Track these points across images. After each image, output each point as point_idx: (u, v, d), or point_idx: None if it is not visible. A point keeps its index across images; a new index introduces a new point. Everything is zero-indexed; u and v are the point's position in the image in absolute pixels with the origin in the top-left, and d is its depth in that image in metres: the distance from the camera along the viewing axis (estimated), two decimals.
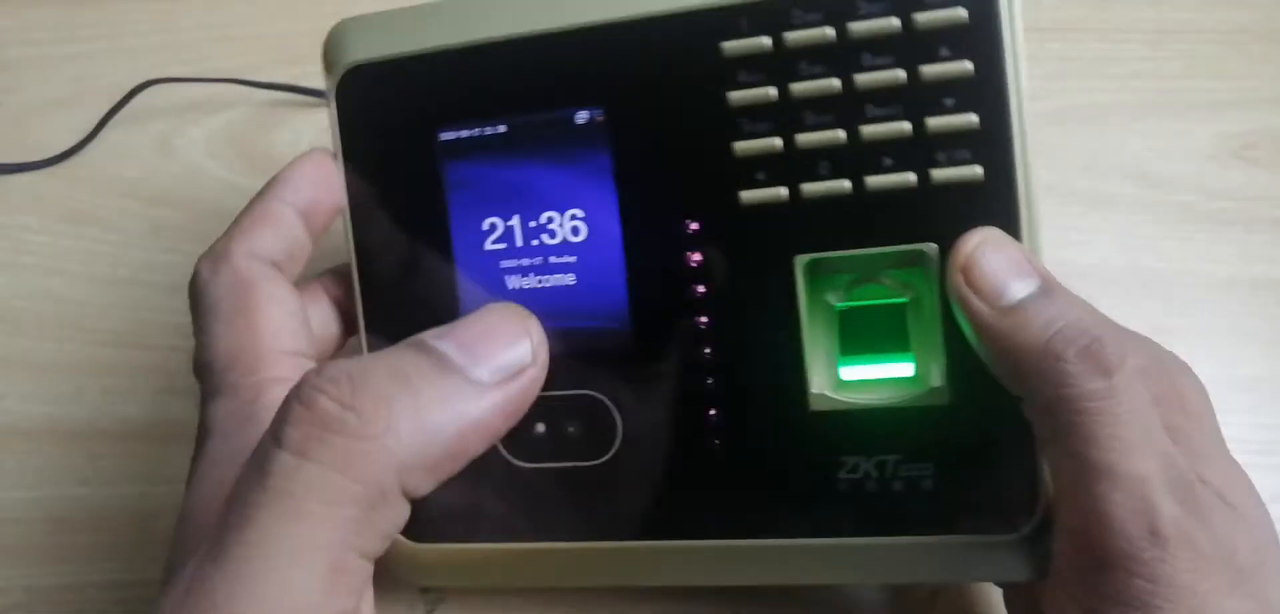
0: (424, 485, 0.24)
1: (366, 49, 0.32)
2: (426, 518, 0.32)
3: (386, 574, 0.34)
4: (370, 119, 0.32)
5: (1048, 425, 0.26)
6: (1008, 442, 0.29)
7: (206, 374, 0.30)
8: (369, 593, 0.26)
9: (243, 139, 0.44)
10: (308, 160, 0.32)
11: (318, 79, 0.45)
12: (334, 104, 0.32)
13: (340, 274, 0.34)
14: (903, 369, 0.31)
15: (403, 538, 0.33)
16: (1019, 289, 0.27)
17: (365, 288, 0.33)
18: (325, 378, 0.23)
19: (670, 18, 0.30)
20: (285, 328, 0.30)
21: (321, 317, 0.33)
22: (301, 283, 0.33)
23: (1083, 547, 0.25)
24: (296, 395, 0.23)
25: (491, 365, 0.25)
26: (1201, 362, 0.31)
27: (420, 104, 0.32)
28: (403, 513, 0.24)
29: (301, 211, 0.32)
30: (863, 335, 0.31)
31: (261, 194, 0.32)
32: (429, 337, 0.25)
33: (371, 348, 0.32)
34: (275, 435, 0.23)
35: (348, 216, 0.33)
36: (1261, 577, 0.25)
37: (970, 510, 0.30)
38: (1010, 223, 0.29)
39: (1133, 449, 0.25)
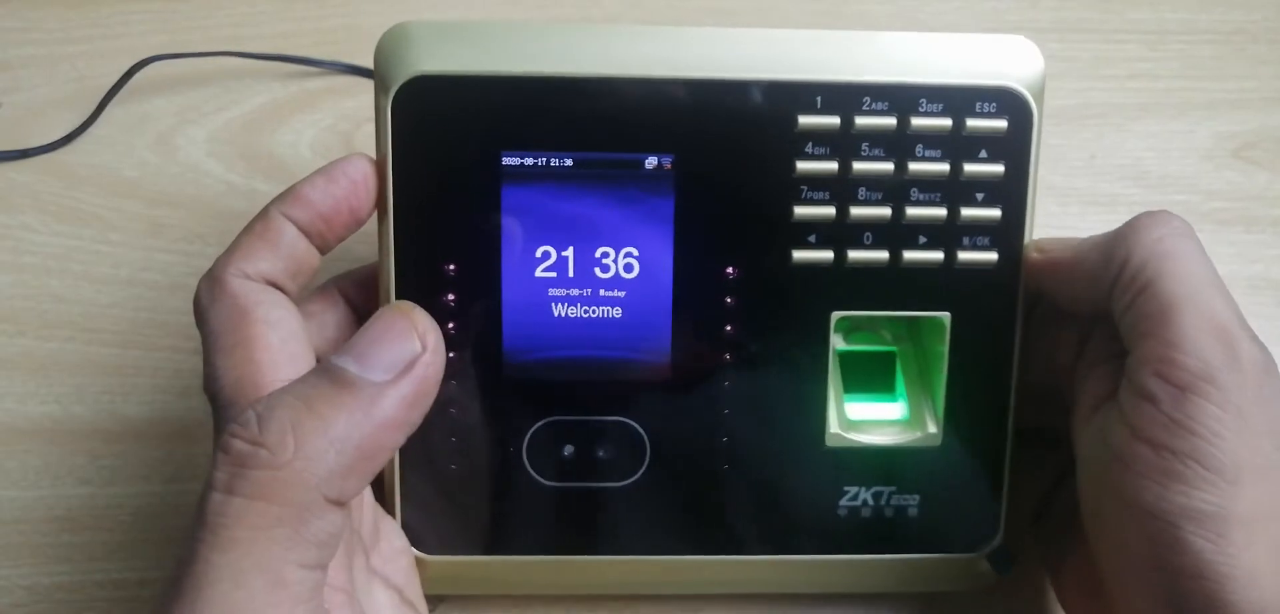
0: (349, 490, 0.27)
1: (433, 61, 0.31)
2: (440, 531, 0.34)
3: None
4: (429, 131, 0.32)
5: (1139, 282, 0.29)
6: (981, 479, 0.35)
7: (215, 406, 0.30)
8: (338, 599, 0.28)
9: (244, 139, 0.44)
10: (328, 174, 0.32)
11: (321, 78, 0.46)
12: (389, 112, 0.32)
13: (357, 278, 0.34)
14: (893, 409, 0.35)
15: (413, 550, 0.34)
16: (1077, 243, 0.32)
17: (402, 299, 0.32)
18: (238, 422, 0.26)
19: (751, 84, 0.32)
20: (285, 353, 0.30)
21: (337, 320, 0.33)
22: (315, 288, 0.33)
23: (1164, 373, 0.28)
24: (218, 442, 0.26)
25: (384, 364, 0.28)
26: None
27: (487, 124, 0.32)
28: (334, 520, 0.26)
29: (307, 225, 0.31)
30: (859, 376, 0.35)
31: (265, 208, 0.32)
32: (331, 356, 0.28)
33: None
34: (209, 481, 0.26)
35: (391, 226, 0.32)
36: None
37: (945, 533, 0.35)
38: (1012, 300, 0.34)
39: (1216, 291, 0.29)
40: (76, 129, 0.44)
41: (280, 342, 0.30)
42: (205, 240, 0.43)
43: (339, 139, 0.44)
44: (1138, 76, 0.46)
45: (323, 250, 0.32)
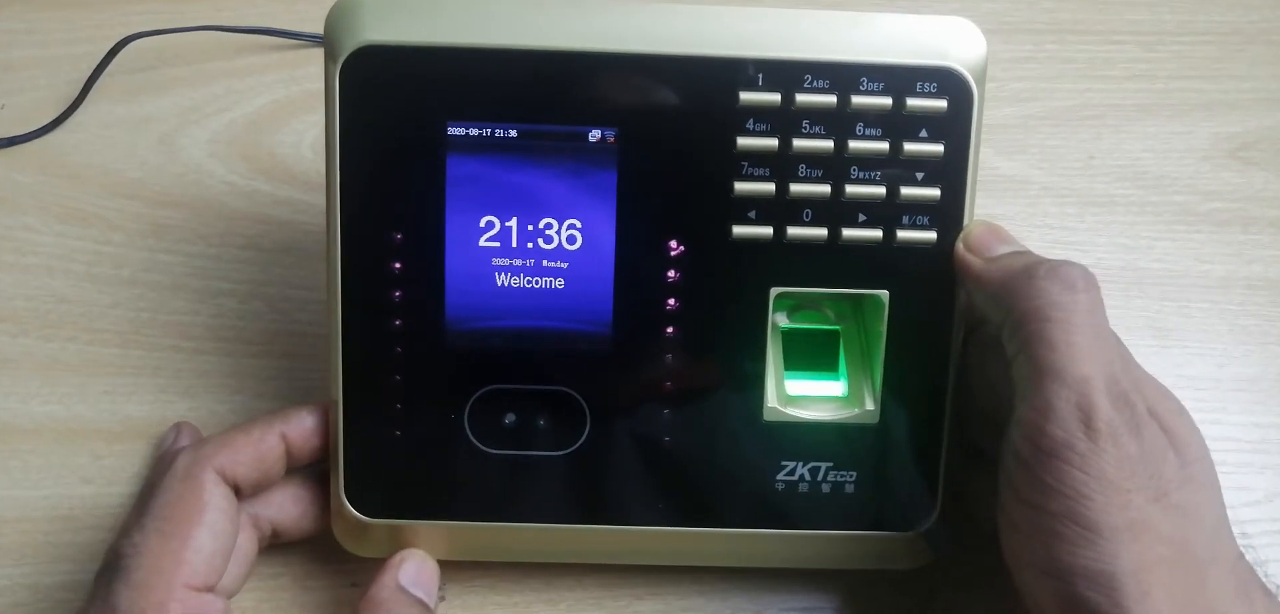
0: None
1: (380, 30, 0.32)
2: (383, 495, 0.35)
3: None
4: (375, 100, 0.32)
5: (1018, 339, 0.30)
6: (919, 456, 0.35)
7: (115, 567, 0.32)
8: None
9: (245, 140, 0.44)
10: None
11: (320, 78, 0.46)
12: (337, 80, 0.32)
13: (298, 418, 0.35)
14: (835, 387, 0.36)
15: (355, 512, 0.35)
16: (1002, 247, 0.33)
17: (346, 271, 0.33)
18: None
19: (694, 60, 0.32)
20: (209, 552, 0.32)
21: (274, 453, 0.35)
22: (260, 422, 0.35)
23: (1032, 439, 0.29)
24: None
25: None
26: (1197, 361, 0.31)
27: (433, 94, 0.32)
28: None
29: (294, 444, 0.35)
30: (801, 354, 0.36)
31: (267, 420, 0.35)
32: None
33: (345, 332, 0.34)
34: None
35: (338, 194, 0.33)
36: (1190, 492, 0.28)
37: (881, 510, 0.35)
38: (951, 279, 0.34)
39: (1083, 355, 0.29)
40: (63, 113, 0.44)
41: (213, 544, 0.32)
42: (207, 240, 0.43)
43: None
44: (1135, 77, 0.47)
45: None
